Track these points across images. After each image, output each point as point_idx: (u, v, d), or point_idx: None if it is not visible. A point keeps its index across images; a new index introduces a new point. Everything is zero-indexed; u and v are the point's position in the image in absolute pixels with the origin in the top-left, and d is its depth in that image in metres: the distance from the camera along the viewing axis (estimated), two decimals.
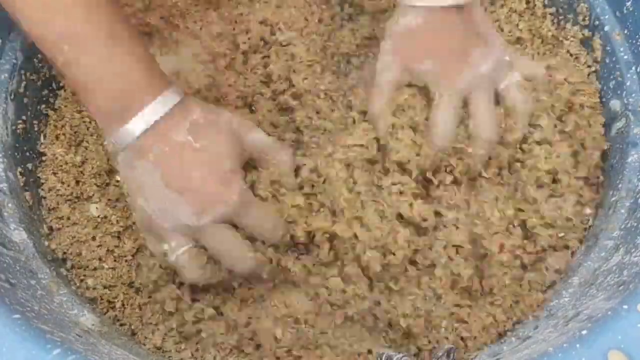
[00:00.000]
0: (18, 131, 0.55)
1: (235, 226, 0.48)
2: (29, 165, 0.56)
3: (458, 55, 0.50)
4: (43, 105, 0.58)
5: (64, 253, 0.54)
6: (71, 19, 0.43)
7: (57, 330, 0.41)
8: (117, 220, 0.55)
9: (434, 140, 0.51)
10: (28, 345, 0.37)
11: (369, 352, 0.51)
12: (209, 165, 0.46)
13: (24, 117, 0.56)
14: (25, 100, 0.56)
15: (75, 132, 0.58)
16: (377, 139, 0.52)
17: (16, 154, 0.54)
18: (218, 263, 0.48)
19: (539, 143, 0.54)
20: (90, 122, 0.58)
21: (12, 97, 0.55)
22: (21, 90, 0.56)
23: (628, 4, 0.56)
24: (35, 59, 0.57)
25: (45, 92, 0.58)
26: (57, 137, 0.57)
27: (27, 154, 0.56)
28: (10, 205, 0.52)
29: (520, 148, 0.54)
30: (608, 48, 0.58)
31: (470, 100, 0.51)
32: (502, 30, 0.60)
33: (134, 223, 0.54)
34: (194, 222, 0.46)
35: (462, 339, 0.51)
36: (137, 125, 0.44)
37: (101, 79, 0.44)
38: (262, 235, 0.49)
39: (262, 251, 0.49)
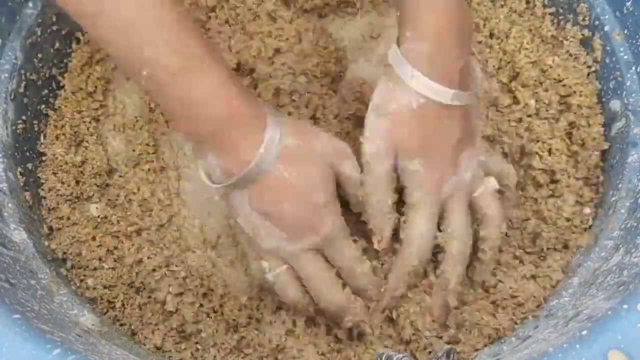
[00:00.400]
0: (18, 131, 0.55)
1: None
2: (29, 165, 0.56)
3: (449, 160, 0.47)
4: (43, 105, 0.58)
5: (64, 253, 0.54)
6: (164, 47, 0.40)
7: (57, 330, 0.41)
8: (117, 220, 0.55)
9: (407, 259, 0.47)
10: (28, 345, 0.37)
11: None
12: (298, 198, 0.44)
13: (24, 117, 0.56)
14: (25, 100, 0.56)
15: (75, 132, 0.58)
16: None
17: (16, 154, 0.54)
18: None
19: (537, 142, 0.55)
20: (90, 122, 0.58)
21: (12, 97, 0.55)
22: (21, 90, 0.56)
23: (628, 4, 0.56)
24: (35, 59, 0.57)
25: (45, 92, 0.58)
26: (57, 137, 0.57)
27: (27, 154, 0.56)
28: (10, 205, 0.52)
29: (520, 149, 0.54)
30: (608, 48, 0.58)
31: (446, 208, 0.48)
32: (500, 31, 0.60)
33: (133, 224, 0.55)
34: (284, 246, 0.45)
35: (460, 337, 0.51)
36: (256, 165, 0.42)
37: (198, 109, 0.42)
38: (349, 276, 0.47)
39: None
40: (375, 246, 0.49)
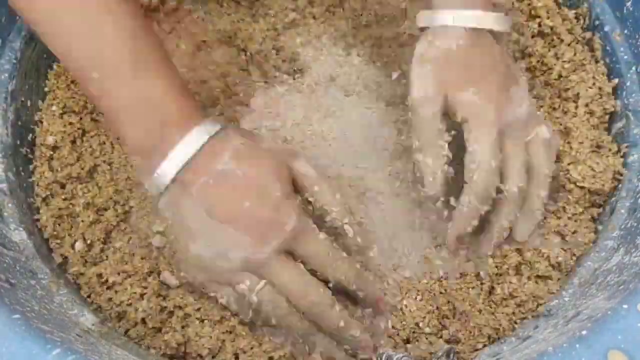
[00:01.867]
0: (18, 131, 0.55)
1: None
2: (29, 166, 0.56)
3: (500, 87, 0.45)
4: (43, 105, 0.58)
5: (63, 255, 0.54)
6: (100, 41, 0.40)
7: (57, 330, 0.41)
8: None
9: (474, 187, 0.45)
10: (28, 345, 0.37)
11: None
12: (257, 192, 0.42)
13: (23, 117, 0.56)
14: (25, 100, 0.56)
15: (75, 132, 0.58)
16: None
17: (16, 153, 0.55)
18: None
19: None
20: (90, 122, 0.58)
21: (12, 97, 0.55)
22: (21, 90, 0.56)
23: (628, 4, 0.56)
24: (35, 59, 0.57)
25: (46, 91, 0.58)
26: (57, 137, 0.57)
27: (27, 154, 0.56)
28: (10, 205, 0.52)
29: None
30: (608, 48, 0.58)
31: (504, 145, 0.46)
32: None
33: (122, 221, 0.55)
34: (255, 254, 0.42)
35: (460, 337, 0.51)
36: (174, 161, 0.41)
37: (131, 110, 0.41)
38: (325, 268, 0.44)
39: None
40: (425, 190, 0.46)
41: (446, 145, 0.46)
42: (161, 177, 0.42)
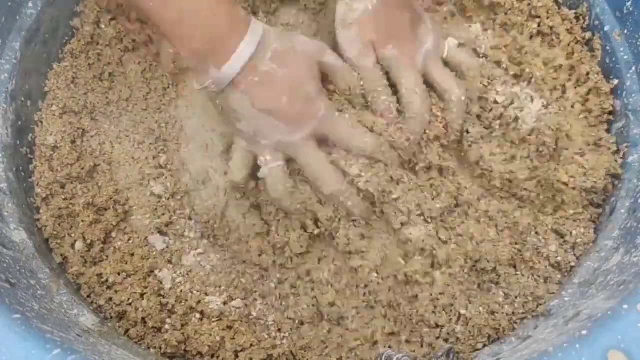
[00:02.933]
0: (18, 131, 0.55)
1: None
2: (29, 166, 0.56)
3: (410, 37, 0.55)
4: (44, 105, 0.58)
5: (63, 255, 0.54)
6: None
7: (57, 330, 0.41)
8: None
9: (413, 105, 0.53)
10: (28, 345, 0.37)
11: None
12: (293, 89, 0.50)
13: (23, 117, 0.56)
14: (25, 100, 0.56)
15: (75, 132, 0.58)
16: None
17: (16, 153, 0.55)
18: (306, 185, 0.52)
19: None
20: (90, 122, 0.58)
21: (12, 97, 0.55)
22: (21, 90, 0.56)
23: (628, 4, 0.56)
24: (35, 59, 0.57)
25: (46, 91, 0.58)
26: (57, 137, 0.57)
27: (27, 154, 0.56)
28: (10, 205, 0.52)
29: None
30: (608, 48, 0.58)
31: (427, 73, 0.55)
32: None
33: (122, 221, 0.55)
34: (287, 137, 0.51)
35: (460, 337, 0.51)
36: (234, 65, 0.48)
37: (191, 21, 0.46)
38: (352, 146, 0.52)
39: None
40: (387, 118, 0.54)
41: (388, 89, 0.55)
42: (222, 78, 0.48)
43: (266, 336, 0.52)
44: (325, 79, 0.54)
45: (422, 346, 0.51)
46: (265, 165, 0.52)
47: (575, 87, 0.57)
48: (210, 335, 0.51)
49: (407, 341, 0.51)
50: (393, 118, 0.54)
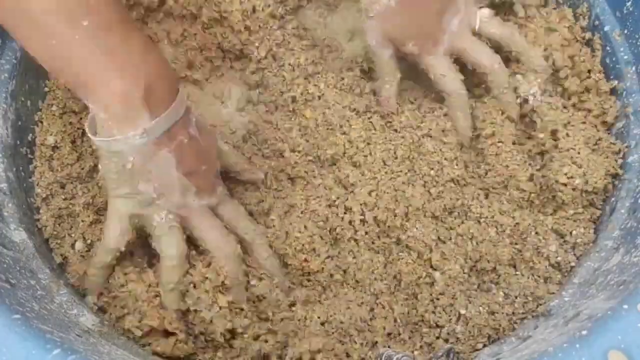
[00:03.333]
0: (18, 131, 0.55)
1: None
2: (29, 166, 0.56)
3: (435, 26, 0.55)
4: (43, 105, 0.58)
5: (63, 255, 0.54)
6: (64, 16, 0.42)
7: (57, 330, 0.41)
8: None
9: (452, 90, 0.56)
10: (28, 345, 0.37)
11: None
12: (209, 161, 0.51)
13: (23, 117, 0.56)
14: (26, 100, 0.56)
15: (75, 132, 0.58)
16: None
17: (16, 153, 0.55)
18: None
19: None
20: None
21: (12, 97, 0.55)
22: (21, 90, 0.56)
23: (628, 4, 0.56)
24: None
25: (46, 91, 0.58)
26: (58, 137, 0.57)
27: (27, 154, 0.56)
28: (10, 205, 0.52)
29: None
30: (608, 48, 0.58)
31: (458, 51, 0.56)
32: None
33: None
34: (192, 200, 0.50)
35: (460, 337, 0.51)
36: (169, 117, 0.46)
37: (109, 80, 0.44)
38: (236, 226, 0.53)
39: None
40: (384, 107, 0.58)
41: (399, 75, 0.58)
42: (154, 129, 0.46)
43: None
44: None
45: (422, 346, 0.51)
46: (163, 222, 0.49)
47: (575, 87, 0.57)
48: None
49: (407, 341, 0.51)
50: (388, 109, 0.58)
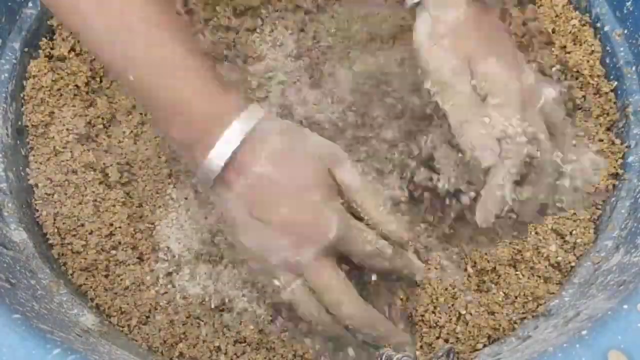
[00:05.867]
0: (18, 131, 0.55)
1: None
2: (29, 165, 0.56)
3: (514, 55, 0.45)
4: (43, 105, 0.58)
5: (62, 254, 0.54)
6: (137, 40, 0.40)
7: (57, 330, 0.41)
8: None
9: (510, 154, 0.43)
10: (28, 345, 0.37)
11: None
12: (296, 198, 0.41)
13: (24, 117, 0.56)
14: (25, 100, 0.56)
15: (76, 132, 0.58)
16: None
17: (16, 153, 0.54)
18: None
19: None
20: (90, 122, 0.58)
21: (12, 97, 0.55)
22: (21, 90, 0.56)
23: (628, 4, 0.56)
24: (35, 59, 0.57)
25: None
26: (58, 137, 0.57)
27: (27, 153, 0.56)
28: (10, 205, 0.52)
29: None
30: (608, 48, 0.58)
31: (526, 113, 0.45)
32: None
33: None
34: (294, 256, 0.41)
35: (460, 337, 0.51)
36: (215, 158, 0.40)
37: (170, 110, 0.41)
38: (367, 262, 0.44)
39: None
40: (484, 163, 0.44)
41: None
42: (206, 172, 0.41)
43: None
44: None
45: (422, 346, 0.51)
46: (283, 289, 0.42)
47: (575, 87, 0.57)
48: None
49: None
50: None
